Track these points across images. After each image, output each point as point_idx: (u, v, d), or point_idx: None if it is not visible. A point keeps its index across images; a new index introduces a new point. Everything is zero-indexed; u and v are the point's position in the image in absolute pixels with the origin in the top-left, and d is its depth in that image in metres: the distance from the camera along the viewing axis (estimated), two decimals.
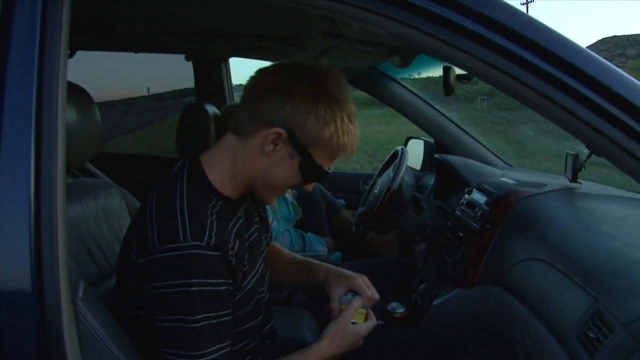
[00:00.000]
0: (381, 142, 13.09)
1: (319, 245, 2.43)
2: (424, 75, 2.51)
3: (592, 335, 1.09)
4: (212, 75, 2.75)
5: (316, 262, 1.44)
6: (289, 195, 2.50)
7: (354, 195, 2.94)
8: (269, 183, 1.14)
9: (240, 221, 1.18)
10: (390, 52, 1.72)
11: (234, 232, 1.13)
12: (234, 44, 2.35)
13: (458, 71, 1.85)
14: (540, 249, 1.47)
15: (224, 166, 1.14)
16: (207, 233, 1.04)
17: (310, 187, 1.20)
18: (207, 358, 1.04)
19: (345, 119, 1.11)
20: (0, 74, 0.88)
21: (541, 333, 1.30)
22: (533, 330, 1.34)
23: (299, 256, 1.52)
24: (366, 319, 1.27)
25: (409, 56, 1.68)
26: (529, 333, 1.36)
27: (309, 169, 1.12)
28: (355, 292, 1.30)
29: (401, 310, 1.77)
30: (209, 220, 1.06)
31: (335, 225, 2.74)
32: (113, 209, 1.49)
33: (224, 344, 1.07)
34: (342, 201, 2.86)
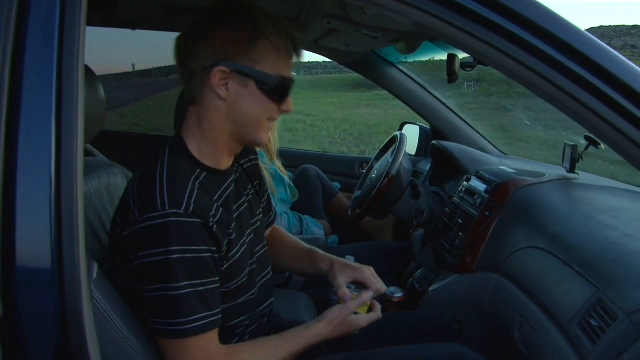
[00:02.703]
0: (368, 125, 13.08)
1: (317, 228, 2.44)
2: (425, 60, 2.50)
3: (594, 323, 1.12)
4: None
5: (320, 252, 1.45)
6: (285, 176, 2.50)
7: (350, 178, 2.95)
8: (245, 122, 1.15)
9: (228, 191, 1.20)
10: (396, 37, 1.72)
11: (220, 201, 1.15)
12: None
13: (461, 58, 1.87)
14: (540, 238, 1.50)
15: (196, 137, 1.16)
16: (186, 200, 1.05)
17: (288, 105, 1.18)
18: (194, 325, 1.05)
19: (269, 23, 1.11)
20: (21, 49, 0.87)
21: (540, 320, 1.33)
22: (532, 316, 1.37)
23: (304, 244, 1.53)
24: (370, 310, 1.30)
25: (415, 42, 1.68)
26: (528, 319, 1.39)
27: (269, 85, 1.12)
28: (362, 284, 1.33)
29: (399, 294, 1.80)
30: (189, 189, 1.07)
31: (331, 208, 2.75)
32: (116, 188, 1.49)
33: (213, 312, 1.08)
34: (337, 184, 2.87)
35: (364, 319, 1.26)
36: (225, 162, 1.20)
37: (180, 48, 1.14)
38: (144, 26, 2.40)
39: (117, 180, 1.50)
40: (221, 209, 1.12)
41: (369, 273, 1.34)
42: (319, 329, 1.22)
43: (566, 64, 0.94)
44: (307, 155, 3.44)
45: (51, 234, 0.86)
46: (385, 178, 2.13)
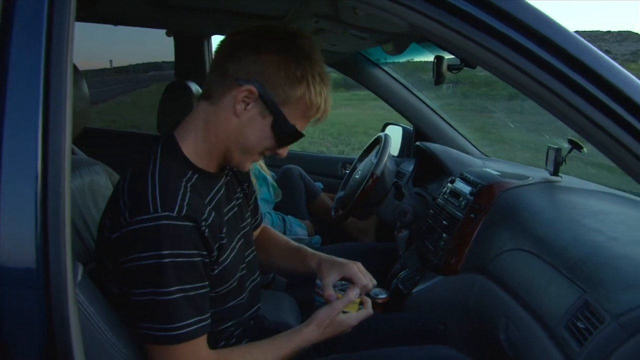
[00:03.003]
0: (347, 125, 13.10)
1: (300, 228, 2.43)
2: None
3: (581, 326, 1.13)
4: (193, 53, 2.69)
5: (309, 250, 1.44)
6: (269, 176, 2.48)
7: (332, 179, 2.95)
8: (242, 146, 1.13)
9: (219, 195, 1.18)
10: (384, 38, 1.72)
11: (211, 205, 1.13)
12: (217, 21, 2.29)
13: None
14: (526, 240, 1.51)
15: (197, 136, 1.13)
16: (178, 203, 1.03)
17: (284, 152, 1.18)
18: (185, 331, 1.03)
19: (317, 78, 1.11)
20: (6, 40, 0.84)
21: (527, 321, 1.34)
22: (518, 318, 1.38)
23: (293, 242, 1.52)
24: (361, 305, 1.28)
25: (403, 44, 1.68)
26: (514, 321, 1.39)
27: (282, 129, 1.11)
28: (350, 280, 1.31)
29: (384, 296, 1.79)
30: (182, 191, 1.05)
31: (314, 208, 2.74)
32: (99, 186, 1.46)
33: (203, 317, 1.06)
34: (320, 184, 2.87)
35: (354, 317, 1.24)
36: (216, 166, 1.18)
37: (228, 45, 1.11)
38: (128, 22, 2.36)
39: (100, 178, 1.47)
40: (213, 213, 1.11)
41: (357, 269, 1.32)
42: (308, 333, 1.20)
43: (555, 64, 0.94)
44: (290, 155, 3.41)
45: (36, 234, 0.83)
46: (369, 179, 2.13)
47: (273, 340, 1.20)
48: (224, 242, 1.13)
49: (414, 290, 1.85)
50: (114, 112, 8.47)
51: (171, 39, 2.78)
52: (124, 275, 1.05)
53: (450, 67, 1.83)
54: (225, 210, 1.19)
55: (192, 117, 1.16)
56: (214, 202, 1.14)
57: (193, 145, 1.13)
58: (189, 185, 1.08)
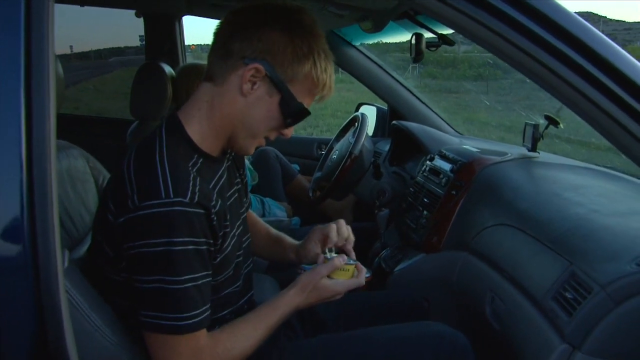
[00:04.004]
0: (314, 108, 12.97)
1: (279, 210, 2.41)
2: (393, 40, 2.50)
3: (569, 296, 1.15)
4: (164, 34, 2.62)
5: (288, 240, 1.43)
6: (246, 159, 2.45)
7: (308, 160, 2.93)
8: (249, 126, 1.11)
9: (222, 180, 1.15)
10: (362, 15, 1.70)
11: (216, 190, 1.10)
12: (189, 0, 2.24)
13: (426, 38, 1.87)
14: (508, 215, 1.52)
15: (202, 118, 1.10)
16: (190, 189, 1.00)
17: (289, 132, 1.15)
18: (192, 321, 1.00)
19: (322, 54, 1.09)
20: None
21: (512, 294, 1.36)
22: (503, 291, 1.40)
23: (273, 230, 1.50)
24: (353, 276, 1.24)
25: (382, 21, 1.66)
26: (499, 295, 1.41)
27: (289, 107, 1.09)
28: (330, 230, 1.31)
29: (367, 274, 1.79)
30: (191, 176, 1.02)
31: (291, 190, 2.72)
32: (77, 171, 1.41)
33: (207, 307, 1.05)
34: (296, 166, 2.85)
35: (341, 284, 1.20)
36: (219, 150, 1.15)
37: (231, 25, 1.09)
38: (96, 2, 2.28)
39: (78, 163, 1.42)
40: (219, 199, 1.08)
41: (334, 227, 1.31)
42: (291, 297, 1.16)
43: (546, 38, 0.94)
44: None
45: (23, 221, 0.80)
46: (348, 158, 2.11)
47: (258, 311, 1.17)
48: (227, 229, 1.11)
49: (397, 269, 1.86)
50: (77, 98, 8.26)
51: (136, 23, 2.71)
52: (128, 261, 1.01)
53: (429, 45, 1.83)
54: (227, 196, 1.17)
55: (195, 100, 1.12)
56: (217, 187, 1.12)
57: (198, 128, 1.10)
58: (195, 169, 1.05)
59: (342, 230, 1.33)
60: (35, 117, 0.80)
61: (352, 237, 1.34)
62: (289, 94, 1.07)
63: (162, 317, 1.00)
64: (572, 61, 0.94)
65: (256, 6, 1.10)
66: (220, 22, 1.11)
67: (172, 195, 0.97)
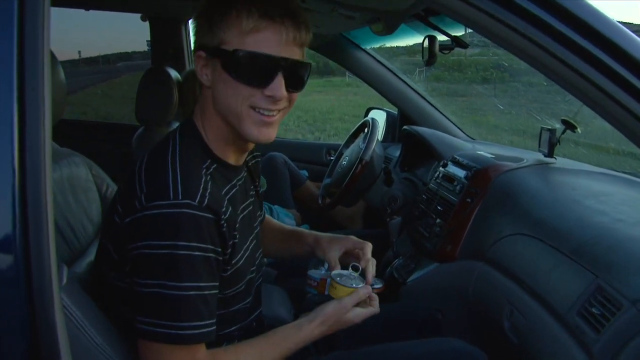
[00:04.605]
0: (322, 112, 13.04)
1: (287, 218, 2.36)
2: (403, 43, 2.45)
3: (595, 312, 1.09)
4: (170, 38, 2.58)
5: (304, 230, 1.39)
6: None
7: (317, 166, 2.88)
8: (229, 112, 1.01)
9: (234, 190, 1.10)
10: (374, 17, 1.65)
11: (227, 197, 1.05)
12: (195, 3, 2.19)
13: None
14: (526, 224, 1.46)
15: (205, 122, 1.07)
16: (200, 192, 0.95)
17: (274, 89, 0.98)
18: (191, 332, 0.94)
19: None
20: None
21: (533, 308, 1.29)
22: (523, 304, 1.34)
23: (287, 226, 1.47)
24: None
25: (394, 23, 1.61)
26: (519, 308, 1.35)
27: (233, 64, 0.97)
28: (353, 248, 1.26)
29: (379, 285, 1.73)
30: (203, 179, 0.97)
31: (300, 197, 2.67)
32: (79, 179, 1.36)
33: (213, 321, 0.98)
34: (305, 172, 2.80)
35: (360, 314, 1.15)
36: (233, 157, 1.10)
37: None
38: (101, 6, 2.24)
39: (80, 171, 1.37)
40: (230, 207, 1.02)
41: (355, 240, 1.28)
42: (310, 330, 1.10)
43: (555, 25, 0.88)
44: (273, 142, 3.34)
45: (15, 235, 0.75)
46: (358, 164, 2.07)
47: (271, 337, 1.10)
48: (236, 240, 1.05)
49: (410, 279, 1.80)
50: (84, 103, 8.28)
51: (143, 28, 2.67)
52: (130, 263, 0.96)
53: (442, 48, 1.77)
54: (240, 207, 1.11)
55: (199, 104, 1.09)
56: (229, 194, 1.06)
57: (209, 132, 1.06)
58: (207, 173, 1.01)
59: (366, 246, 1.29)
60: (29, 124, 0.75)
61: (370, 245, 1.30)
62: (222, 53, 0.97)
63: (158, 324, 0.93)
64: (601, 62, 0.88)
65: None
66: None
67: (180, 197, 0.92)
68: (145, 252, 0.93)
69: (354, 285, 1.17)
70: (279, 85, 0.98)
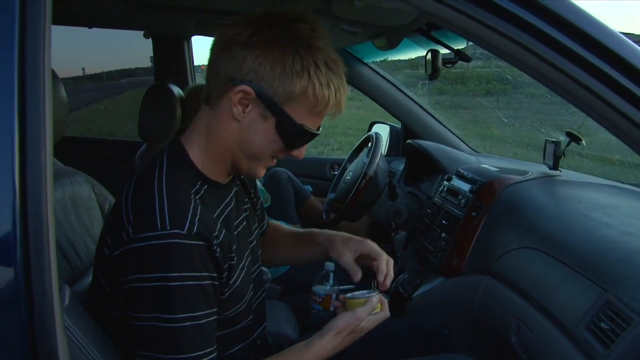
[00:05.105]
0: (324, 126, 12.90)
1: None
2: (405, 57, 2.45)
3: (605, 327, 1.07)
4: (173, 54, 2.59)
5: (316, 230, 1.33)
6: (257, 180, 2.39)
7: (321, 181, 2.88)
8: (249, 152, 1.01)
9: (229, 208, 1.07)
10: (376, 32, 1.65)
11: (220, 219, 1.03)
12: (198, 20, 2.20)
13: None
14: (533, 238, 1.45)
15: (202, 143, 1.03)
16: (189, 219, 0.92)
17: (300, 153, 1.04)
18: None
19: (322, 67, 0.96)
20: None
21: (541, 323, 1.27)
22: (531, 319, 1.32)
23: (299, 229, 1.42)
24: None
25: (396, 38, 1.61)
26: (526, 322, 1.33)
27: (288, 130, 0.98)
28: (368, 256, 1.23)
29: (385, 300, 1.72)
30: (192, 205, 0.95)
31: (304, 212, 2.66)
32: (81, 198, 1.36)
33: (212, 348, 0.96)
34: (309, 187, 2.79)
35: (371, 320, 1.12)
36: (225, 176, 1.07)
37: (219, 42, 0.98)
38: (103, 24, 2.25)
39: (82, 190, 1.37)
40: (224, 229, 1.00)
41: (371, 245, 1.24)
42: (323, 345, 1.08)
43: (576, 50, 0.87)
44: None
45: (17, 255, 0.74)
46: (362, 179, 2.06)
47: (280, 356, 1.08)
48: (233, 262, 1.03)
49: (415, 294, 1.79)
50: (88, 119, 8.32)
51: (146, 44, 2.68)
52: (124, 296, 0.95)
53: (445, 61, 1.77)
54: (234, 225, 1.09)
55: (196, 123, 1.05)
56: (223, 216, 1.04)
57: (199, 153, 1.03)
58: (197, 197, 0.98)
59: (388, 266, 1.24)
60: (30, 142, 0.75)
61: (390, 258, 1.26)
62: (284, 116, 0.97)
63: (157, 357, 0.92)
64: (603, 73, 0.87)
65: (248, 19, 0.98)
66: (214, 38, 1.02)
67: (168, 227, 0.90)
68: (137, 286, 0.91)
69: (367, 294, 1.15)
70: (304, 149, 1.05)
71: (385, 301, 1.18)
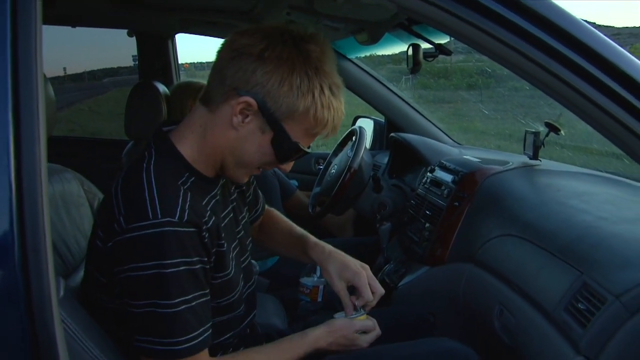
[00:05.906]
0: None
1: None
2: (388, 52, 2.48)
3: (581, 307, 1.12)
4: (157, 53, 2.60)
5: (311, 239, 1.35)
6: None
7: (306, 175, 2.90)
8: (239, 159, 1.05)
9: (214, 200, 1.10)
10: (358, 28, 1.68)
11: (209, 207, 1.06)
12: (183, 18, 2.22)
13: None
14: (514, 225, 1.49)
15: (194, 141, 1.05)
16: (180, 206, 0.96)
17: (287, 167, 1.10)
18: (188, 345, 0.97)
19: (326, 91, 1.00)
20: None
21: (522, 307, 1.32)
22: (512, 304, 1.36)
23: (297, 228, 1.43)
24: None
25: (378, 32, 1.64)
26: (508, 307, 1.38)
27: (283, 146, 1.02)
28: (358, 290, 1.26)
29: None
30: (181, 192, 0.98)
31: (290, 207, 2.68)
32: (71, 195, 1.38)
33: (205, 328, 1.00)
34: (294, 182, 2.81)
35: (365, 339, 1.22)
36: (213, 172, 1.10)
37: (228, 50, 1.01)
38: (87, 23, 2.26)
39: (72, 187, 1.39)
40: (213, 216, 1.04)
41: (366, 280, 1.25)
42: (316, 336, 1.15)
43: (552, 44, 0.91)
44: None
45: (14, 249, 0.77)
46: (347, 173, 2.09)
47: (277, 345, 1.15)
48: (223, 249, 1.07)
49: (401, 284, 1.83)
50: (71, 120, 8.24)
51: (128, 43, 2.68)
52: (120, 286, 0.98)
53: (426, 55, 1.81)
54: (221, 216, 1.13)
55: (189, 122, 1.07)
56: (210, 205, 1.08)
57: (190, 150, 1.05)
58: (184, 187, 1.01)
59: (375, 280, 1.28)
60: (24, 141, 0.77)
61: (381, 291, 1.29)
62: (282, 132, 1.01)
63: (157, 342, 0.96)
64: (577, 65, 0.92)
65: (261, 30, 1.01)
66: (223, 43, 1.04)
67: (159, 216, 0.94)
68: (133, 275, 0.95)
69: (362, 311, 1.25)
70: (292, 163, 1.10)
71: (375, 321, 1.26)
